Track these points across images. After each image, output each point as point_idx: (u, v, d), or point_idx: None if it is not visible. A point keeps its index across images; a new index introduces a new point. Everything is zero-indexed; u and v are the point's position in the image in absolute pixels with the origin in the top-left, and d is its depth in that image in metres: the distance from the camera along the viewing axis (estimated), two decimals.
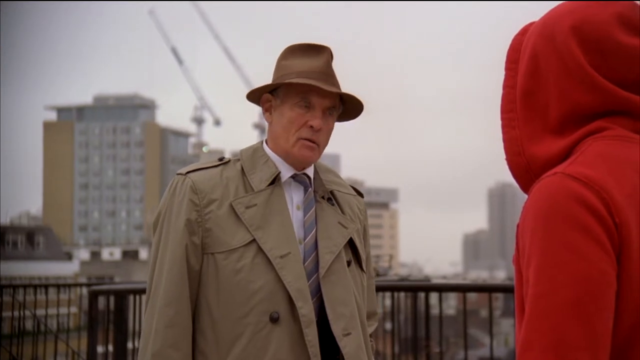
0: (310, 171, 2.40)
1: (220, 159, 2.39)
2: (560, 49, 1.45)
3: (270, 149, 2.38)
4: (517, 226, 1.40)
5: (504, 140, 1.52)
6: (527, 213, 1.36)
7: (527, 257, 1.34)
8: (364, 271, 2.43)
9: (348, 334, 2.25)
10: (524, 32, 1.56)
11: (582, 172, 1.35)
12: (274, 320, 2.19)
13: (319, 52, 2.35)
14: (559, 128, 1.46)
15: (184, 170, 2.35)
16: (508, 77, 1.54)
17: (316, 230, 2.32)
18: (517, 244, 1.40)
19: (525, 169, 1.48)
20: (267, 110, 2.39)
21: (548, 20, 1.50)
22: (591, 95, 1.42)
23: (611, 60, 1.42)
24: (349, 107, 2.40)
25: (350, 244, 2.39)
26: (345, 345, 2.23)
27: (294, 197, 2.35)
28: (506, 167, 1.51)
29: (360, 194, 2.55)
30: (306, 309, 2.20)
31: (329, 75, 2.32)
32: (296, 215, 2.33)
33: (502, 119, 1.53)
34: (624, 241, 1.31)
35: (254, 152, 2.38)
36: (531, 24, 1.57)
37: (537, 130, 1.48)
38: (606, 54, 1.42)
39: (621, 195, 1.33)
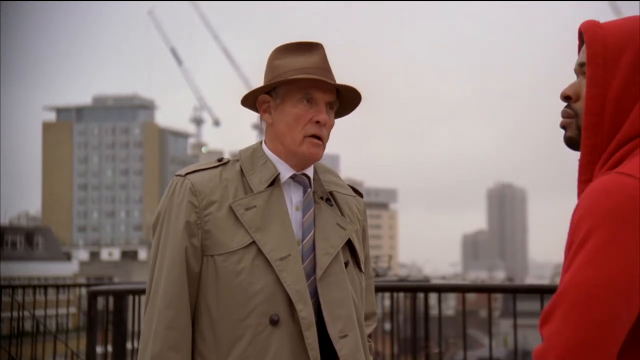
0: (309, 171, 2.39)
1: (219, 160, 2.37)
2: None
3: (270, 149, 2.37)
4: (571, 223, 1.39)
5: (585, 145, 1.48)
6: (580, 207, 1.38)
7: (571, 242, 1.36)
8: (363, 272, 2.42)
9: (345, 336, 2.24)
10: (599, 26, 1.51)
11: (635, 170, 1.36)
12: (274, 322, 2.18)
13: (313, 48, 2.35)
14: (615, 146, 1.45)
15: (182, 171, 2.34)
16: (596, 76, 1.47)
17: (314, 232, 2.31)
18: (570, 237, 1.39)
19: (591, 177, 1.48)
20: (265, 111, 2.37)
21: None
22: None
23: None
24: (345, 102, 2.40)
25: (349, 245, 2.38)
26: (342, 347, 2.22)
27: (293, 198, 2.34)
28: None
29: (360, 194, 2.54)
30: (306, 312, 2.19)
31: (327, 70, 2.32)
32: (295, 216, 2.32)
33: (587, 120, 1.47)
34: None
35: (253, 152, 2.37)
36: (597, 21, 1.51)
37: (607, 143, 1.46)
38: None
39: None
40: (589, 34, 1.49)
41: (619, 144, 1.45)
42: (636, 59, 1.46)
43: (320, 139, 2.31)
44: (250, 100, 2.39)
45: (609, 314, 1.29)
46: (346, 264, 2.34)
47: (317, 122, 2.29)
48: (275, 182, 2.32)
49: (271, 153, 2.36)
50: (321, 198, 2.38)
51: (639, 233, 1.30)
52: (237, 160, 2.36)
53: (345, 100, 2.39)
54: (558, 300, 1.33)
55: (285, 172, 2.34)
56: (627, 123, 1.44)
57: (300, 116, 2.29)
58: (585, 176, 1.49)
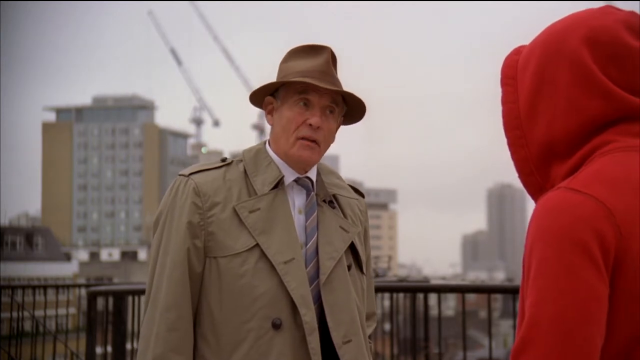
0: (312, 174, 2.38)
1: (223, 160, 2.36)
2: (571, 59, 1.45)
3: (273, 150, 2.36)
4: (525, 244, 1.40)
5: (515, 160, 1.52)
6: (531, 228, 1.38)
7: (527, 268, 1.36)
8: (364, 274, 2.42)
9: (348, 341, 2.23)
10: (517, 52, 1.57)
11: (585, 185, 1.36)
12: (276, 326, 2.17)
13: (319, 52, 2.34)
14: (565, 147, 1.46)
15: (186, 171, 2.33)
16: (507, 93, 1.53)
17: (317, 235, 2.30)
18: (525, 260, 1.39)
19: (540, 188, 1.50)
20: (269, 112, 2.37)
21: (552, 35, 1.50)
22: (602, 103, 1.42)
23: (622, 65, 1.43)
24: (352, 108, 2.39)
25: (351, 247, 2.37)
26: (345, 353, 2.21)
27: (296, 201, 2.33)
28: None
29: (362, 195, 2.54)
30: (309, 316, 2.18)
31: (327, 74, 2.30)
32: (298, 220, 2.30)
33: (509, 137, 1.52)
34: (624, 250, 1.32)
35: (257, 153, 2.36)
36: (523, 46, 1.58)
37: (546, 150, 1.47)
38: (617, 59, 1.43)
39: (624, 207, 1.34)
40: (504, 61, 1.58)
41: (545, 148, 1.47)
42: (537, 67, 1.50)
43: (315, 142, 2.29)
44: (258, 101, 2.40)
45: (588, 345, 1.29)
46: (349, 267, 2.33)
47: (310, 124, 2.27)
48: (279, 184, 2.31)
49: (274, 155, 2.35)
50: (324, 201, 2.37)
51: (590, 255, 1.30)
52: (241, 161, 2.35)
53: (352, 106, 2.38)
54: (530, 335, 1.31)
55: (289, 175, 2.33)
56: (544, 126, 1.47)
57: (294, 119, 2.28)
58: (533, 190, 1.51)
